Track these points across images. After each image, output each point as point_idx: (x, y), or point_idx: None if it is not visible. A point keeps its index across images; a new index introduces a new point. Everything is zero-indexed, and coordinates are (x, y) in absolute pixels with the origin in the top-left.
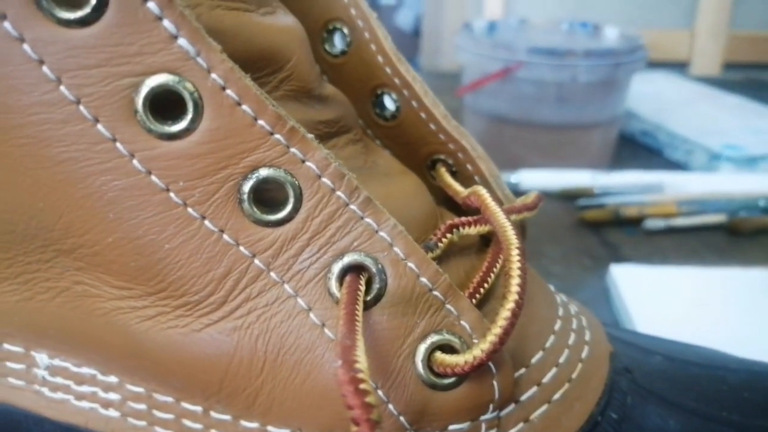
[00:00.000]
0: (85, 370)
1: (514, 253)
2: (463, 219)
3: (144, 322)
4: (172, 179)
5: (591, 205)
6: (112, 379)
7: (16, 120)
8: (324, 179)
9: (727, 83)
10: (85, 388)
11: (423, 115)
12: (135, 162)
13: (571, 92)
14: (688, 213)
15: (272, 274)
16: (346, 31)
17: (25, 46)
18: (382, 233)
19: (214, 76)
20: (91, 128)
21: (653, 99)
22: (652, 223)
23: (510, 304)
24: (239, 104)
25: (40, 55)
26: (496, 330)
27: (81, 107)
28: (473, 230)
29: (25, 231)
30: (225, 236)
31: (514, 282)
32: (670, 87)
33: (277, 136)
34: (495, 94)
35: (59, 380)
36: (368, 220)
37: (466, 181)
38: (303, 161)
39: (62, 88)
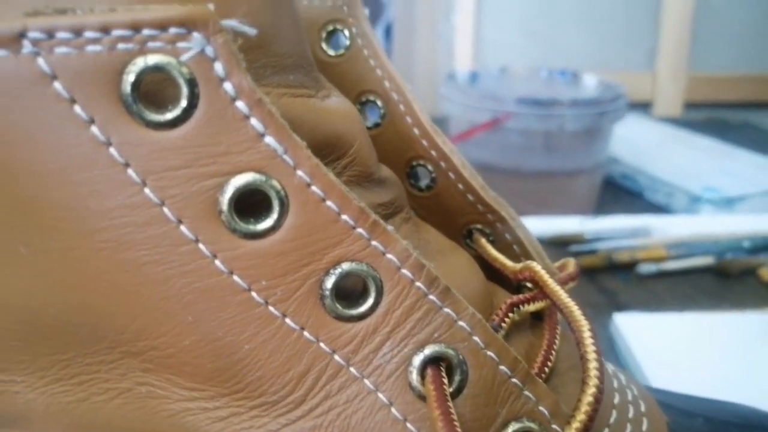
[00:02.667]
0: None
1: (587, 335)
2: (521, 297)
3: (215, 424)
4: (255, 278)
5: (583, 251)
6: None
7: (97, 224)
8: (404, 271)
9: (690, 123)
10: None
11: (461, 186)
12: (217, 262)
13: (558, 141)
14: (677, 256)
15: (352, 369)
16: (379, 103)
17: (112, 150)
18: (461, 323)
19: (300, 173)
20: (174, 230)
21: (629, 142)
22: (644, 268)
23: (591, 389)
24: (324, 200)
25: (127, 159)
26: (581, 417)
27: (165, 209)
28: (531, 307)
29: (92, 333)
30: (306, 333)
31: (592, 366)
32: (642, 130)
33: (360, 230)
34: (483, 144)
35: None
36: (447, 310)
37: (505, 249)
38: (384, 254)
39: (147, 190)
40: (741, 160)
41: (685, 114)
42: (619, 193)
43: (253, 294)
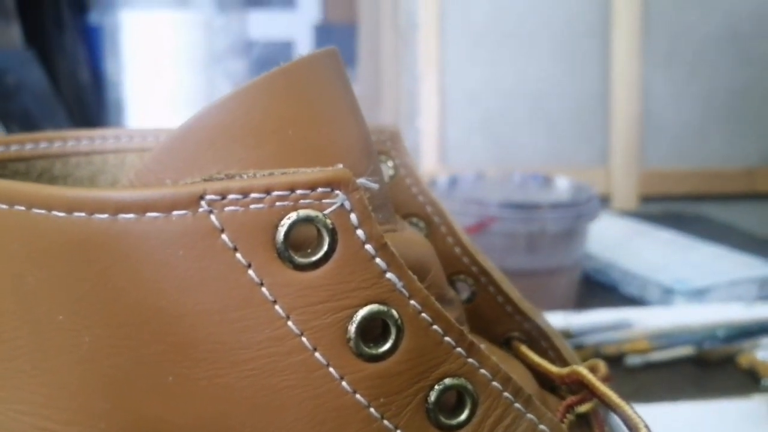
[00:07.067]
0: None
1: None
2: (574, 398)
3: None
4: (374, 396)
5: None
6: None
7: (246, 355)
8: (494, 383)
9: (648, 216)
10: None
11: (500, 298)
12: (344, 384)
13: (540, 242)
14: (659, 347)
15: None
16: (422, 225)
17: (264, 290)
18: (542, 426)
19: (413, 302)
20: (310, 357)
21: (598, 238)
22: (632, 360)
23: None
24: (432, 324)
25: (275, 296)
26: None
27: (304, 339)
28: (582, 408)
29: None
30: None
31: None
32: (606, 225)
33: (459, 349)
34: None
35: None
36: (530, 416)
37: (541, 354)
38: (479, 369)
39: (290, 323)
40: (702, 252)
41: (642, 207)
42: (594, 287)
43: (372, 410)
